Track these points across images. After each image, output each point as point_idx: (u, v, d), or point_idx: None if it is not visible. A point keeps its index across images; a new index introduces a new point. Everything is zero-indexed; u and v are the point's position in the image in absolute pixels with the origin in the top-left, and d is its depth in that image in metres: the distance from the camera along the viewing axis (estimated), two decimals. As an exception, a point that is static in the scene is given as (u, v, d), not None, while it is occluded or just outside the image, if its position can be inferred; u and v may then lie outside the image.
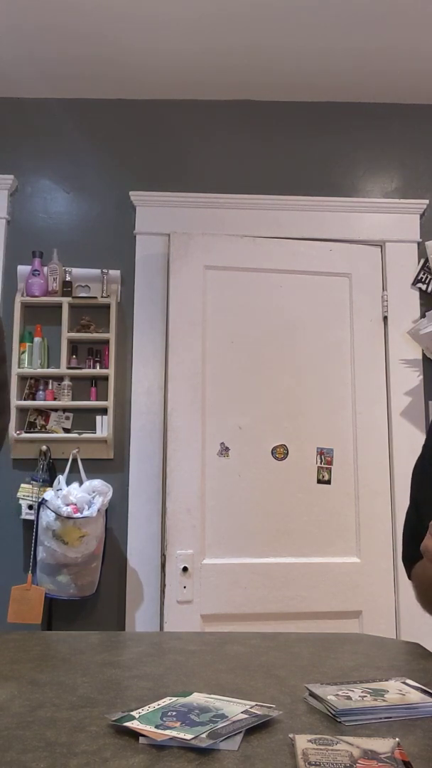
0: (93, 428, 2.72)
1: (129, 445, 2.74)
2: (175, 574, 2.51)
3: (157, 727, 0.62)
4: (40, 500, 2.53)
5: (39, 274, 2.78)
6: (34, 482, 2.62)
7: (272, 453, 2.67)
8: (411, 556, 1.13)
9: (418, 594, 1.13)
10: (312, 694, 0.72)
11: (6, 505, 2.68)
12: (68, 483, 2.62)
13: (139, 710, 0.67)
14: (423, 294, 2.87)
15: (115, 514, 2.68)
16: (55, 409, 2.73)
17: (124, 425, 2.76)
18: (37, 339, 2.73)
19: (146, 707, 0.68)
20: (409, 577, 1.17)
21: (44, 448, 2.68)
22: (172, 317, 2.68)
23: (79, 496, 2.52)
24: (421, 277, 2.86)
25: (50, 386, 2.73)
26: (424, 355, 2.82)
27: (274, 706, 0.69)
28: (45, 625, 2.58)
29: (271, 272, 2.78)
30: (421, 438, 2.77)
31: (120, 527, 2.69)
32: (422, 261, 2.87)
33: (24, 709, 0.69)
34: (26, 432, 2.69)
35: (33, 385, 2.74)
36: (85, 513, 2.48)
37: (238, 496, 2.61)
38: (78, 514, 2.46)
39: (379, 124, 3.01)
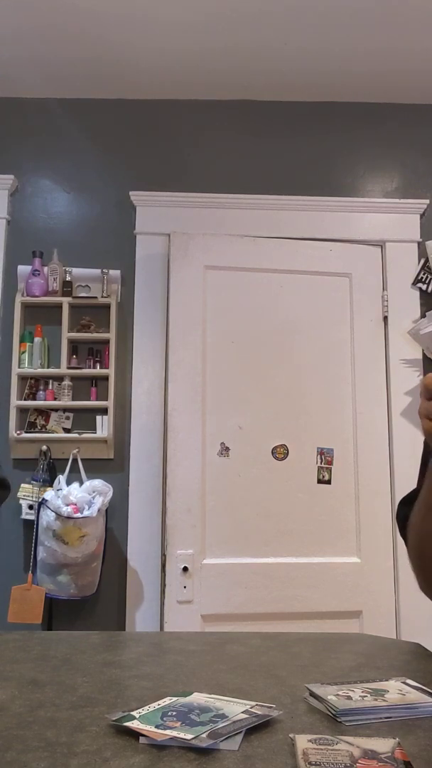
0: (93, 428, 2.72)
1: (129, 445, 2.74)
2: (175, 574, 2.51)
3: (157, 727, 0.62)
4: (40, 500, 2.53)
5: (39, 274, 2.78)
6: (34, 482, 2.62)
7: (272, 453, 2.67)
8: (405, 514, 1.09)
9: (412, 548, 1.04)
10: (312, 694, 0.72)
11: (6, 505, 2.68)
12: (68, 483, 2.62)
13: (140, 710, 0.67)
14: (423, 294, 2.87)
15: (116, 514, 2.68)
16: (56, 409, 2.73)
17: (124, 425, 2.76)
18: (37, 339, 2.73)
19: (146, 707, 0.68)
20: (404, 536, 1.10)
21: (44, 448, 2.68)
22: (172, 317, 2.68)
23: (79, 496, 2.52)
24: (422, 277, 2.86)
25: (50, 386, 2.73)
26: (424, 355, 2.82)
27: (274, 706, 0.69)
28: (45, 625, 2.58)
29: (271, 272, 2.78)
30: (421, 438, 2.76)
31: (120, 527, 2.69)
32: (422, 261, 2.87)
33: (24, 709, 0.69)
34: (26, 432, 2.69)
35: (33, 385, 2.74)
36: (86, 513, 2.48)
37: (238, 496, 2.61)
38: (78, 514, 2.46)
39: (379, 124, 3.01)
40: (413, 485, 1.19)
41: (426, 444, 1.17)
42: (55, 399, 2.70)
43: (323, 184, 2.96)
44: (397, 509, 1.16)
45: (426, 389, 0.86)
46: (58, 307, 2.76)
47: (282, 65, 2.76)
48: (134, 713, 0.66)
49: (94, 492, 2.55)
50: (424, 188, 2.98)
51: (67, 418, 2.73)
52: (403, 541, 1.16)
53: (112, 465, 2.74)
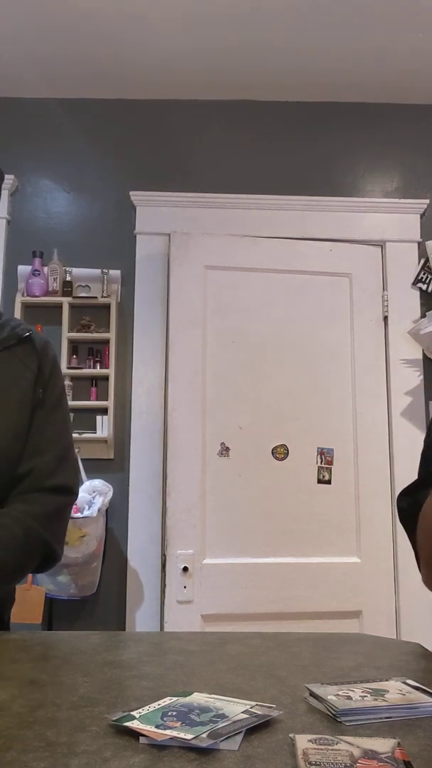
0: (93, 428, 2.72)
1: (129, 445, 2.74)
2: (175, 574, 2.51)
3: (157, 727, 0.62)
4: (40, 500, 2.52)
5: (39, 274, 2.78)
6: (34, 482, 2.61)
7: (272, 453, 2.67)
8: (406, 504, 1.06)
9: (425, 536, 0.99)
10: (312, 694, 0.72)
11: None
12: (68, 483, 2.61)
13: (140, 710, 0.67)
14: (423, 294, 2.87)
15: (116, 514, 2.68)
16: (56, 409, 2.73)
17: (125, 425, 2.76)
18: (37, 339, 2.73)
19: (146, 707, 0.68)
20: (406, 527, 1.07)
21: (44, 448, 2.67)
22: (172, 317, 2.68)
23: (79, 496, 2.52)
24: (422, 277, 2.86)
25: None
26: (424, 355, 2.82)
27: (274, 706, 0.69)
28: (45, 625, 2.58)
29: (271, 272, 2.78)
30: (421, 437, 2.76)
31: (120, 527, 2.69)
32: (422, 261, 2.87)
33: (24, 709, 0.69)
34: (26, 432, 2.68)
35: (33, 385, 2.74)
36: (86, 513, 2.48)
37: (238, 496, 2.61)
38: (78, 514, 2.46)
39: (379, 124, 3.01)
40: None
41: (428, 432, 1.16)
42: (55, 399, 2.70)
43: (323, 184, 2.96)
44: (397, 499, 1.15)
45: None
46: (58, 307, 2.76)
47: (282, 65, 2.76)
48: (134, 713, 0.66)
49: (94, 492, 2.55)
50: (424, 188, 2.98)
51: (67, 418, 2.72)
52: (403, 542, 1.16)
53: (112, 465, 2.74)
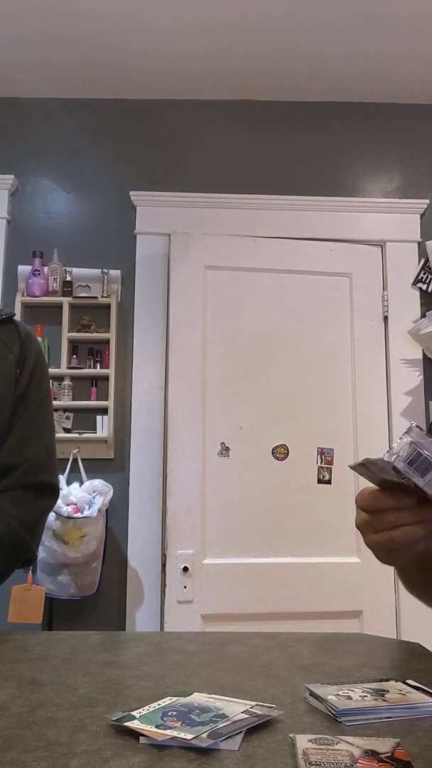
0: (93, 428, 2.72)
1: (129, 445, 2.74)
2: (175, 574, 2.51)
3: (157, 726, 0.62)
4: (40, 500, 2.52)
5: (39, 274, 2.78)
6: (34, 482, 2.61)
7: (272, 453, 2.67)
8: None
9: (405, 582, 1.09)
10: (312, 694, 0.72)
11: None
12: (69, 483, 2.62)
13: (140, 710, 0.67)
14: (423, 294, 2.87)
15: (116, 514, 2.68)
16: (56, 409, 2.73)
17: (125, 425, 2.76)
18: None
19: (146, 707, 0.68)
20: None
21: (44, 448, 2.67)
22: (172, 317, 2.68)
23: (79, 496, 2.52)
24: (422, 277, 2.86)
25: (51, 386, 2.73)
26: (424, 354, 2.82)
27: (274, 706, 0.69)
28: (45, 625, 2.58)
29: (271, 272, 2.78)
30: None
31: (120, 527, 2.69)
32: (422, 261, 2.87)
33: (24, 709, 0.69)
34: (26, 432, 2.68)
35: (33, 385, 2.74)
36: (86, 513, 2.48)
37: (238, 496, 2.61)
38: (78, 514, 2.46)
39: (379, 124, 3.00)
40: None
41: None
42: (55, 399, 2.70)
43: (323, 184, 2.95)
44: None
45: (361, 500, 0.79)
46: (59, 307, 2.76)
47: (282, 66, 2.76)
48: (134, 713, 0.66)
49: (94, 492, 2.55)
50: (424, 188, 2.98)
51: (68, 418, 2.73)
52: None
53: (112, 465, 2.74)
